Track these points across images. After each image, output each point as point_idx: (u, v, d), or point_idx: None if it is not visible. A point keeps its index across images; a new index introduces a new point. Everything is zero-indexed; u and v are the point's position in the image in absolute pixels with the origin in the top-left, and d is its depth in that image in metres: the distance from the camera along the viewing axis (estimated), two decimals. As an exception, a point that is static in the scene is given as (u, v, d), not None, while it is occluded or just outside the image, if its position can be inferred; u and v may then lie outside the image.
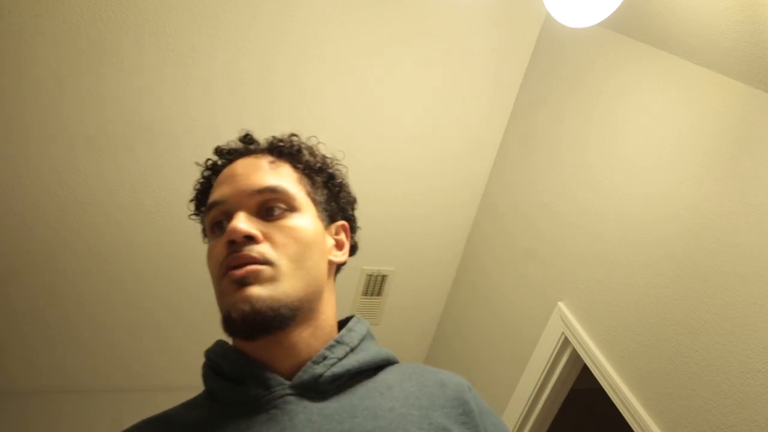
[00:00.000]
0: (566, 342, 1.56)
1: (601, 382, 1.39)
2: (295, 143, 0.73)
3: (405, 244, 2.25)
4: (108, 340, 2.14)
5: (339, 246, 0.76)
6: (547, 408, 1.68)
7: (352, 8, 1.65)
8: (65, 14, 1.46)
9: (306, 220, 0.63)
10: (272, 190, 0.61)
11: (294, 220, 0.61)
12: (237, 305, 0.54)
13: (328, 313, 0.66)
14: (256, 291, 0.55)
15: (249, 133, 0.76)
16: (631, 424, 1.28)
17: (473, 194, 2.20)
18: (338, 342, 0.63)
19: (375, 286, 2.33)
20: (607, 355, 1.38)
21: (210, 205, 0.63)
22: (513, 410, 1.76)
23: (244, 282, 0.55)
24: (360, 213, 2.31)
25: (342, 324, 0.70)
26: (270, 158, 0.67)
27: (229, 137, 1.86)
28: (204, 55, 1.62)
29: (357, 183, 2.22)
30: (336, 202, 0.76)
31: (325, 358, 0.60)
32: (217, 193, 0.63)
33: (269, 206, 0.61)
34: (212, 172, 0.71)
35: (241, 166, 0.65)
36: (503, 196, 2.04)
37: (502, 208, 2.04)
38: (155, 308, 2.11)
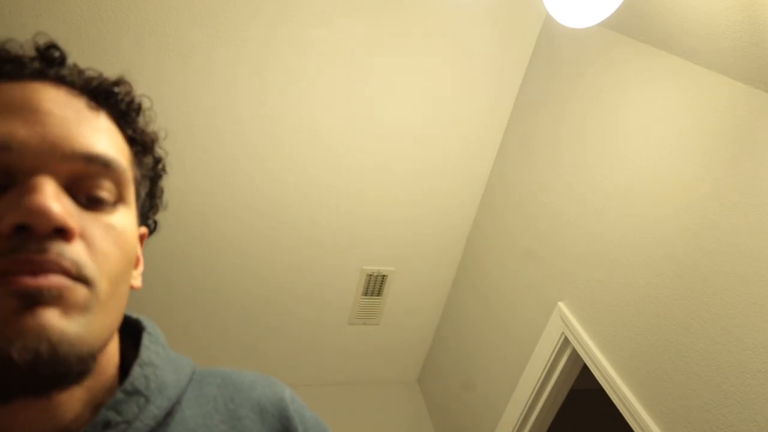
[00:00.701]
0: (566, 342, 1.56)
1: (601, 382, 1.39)
2: (130, 93, 0.46)
3: (405, 244, 2.25)
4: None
5: (137, 263, 0.50)
6: (547, 408, 1.68)
7: (351, 8, 1.65)
8: (65, 14, 1.46)
9: (132, 220, 0.43)
10: (105, 164, 0.39)
11: (122, 219, 0.41)
12: (25, 339, 0.31)
13: (112, 349, 0.46)
14: (57, 322, 0.33)
15: (56, 44, 0.43)
16: (631, 424, 1.28)
17: (473, 194, 2.20)
18: (128, 393, 0.42)
19: (375, 286, 2.33)
20: (607, 355, 1.38)
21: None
22: (513, 410, 1.77)
23: (36, 301, 0.32)
24: (360, 213, 2.32)
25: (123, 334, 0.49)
26: (89, 104, 0.41)
27: (229, 136, 1.87)
28: (204, 54, 1.62)
29: (357, 183, 2.23)
30: (151, 199, 0.53)
31: (107, 425, 0.39)
32: (3, 128, 0.35)
33: (92, 187, 0.38)
34: None
35: (50, 99, 0.38)
36: (503, 196, 2.04)
37: (502, 208, 2.04)
38: (156, 308, 2.12)
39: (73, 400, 0.39)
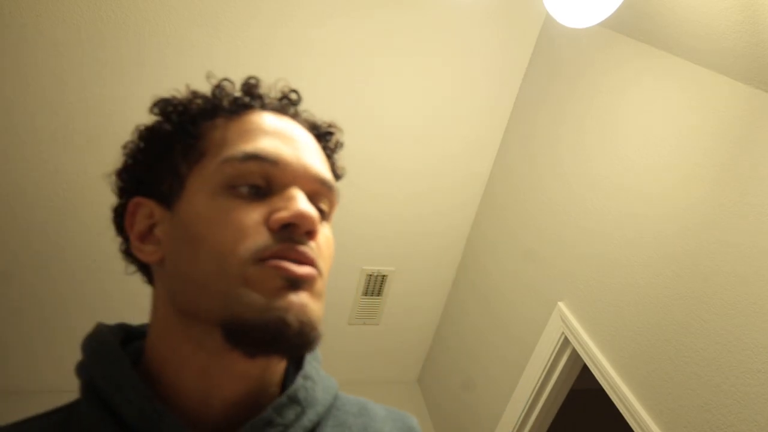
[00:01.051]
0: (566, 342, 1.56)
1: (601, 382, 1.39)
2: (338, 136, 0.58)
3: (405, 244, 2.25)
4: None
5: None
6: (547, 408, 1.68)
7: (351, 8, 1.65)
8: (65, 14, 1.46)
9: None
10: (329, 187, 0.48)
11: (329, 229, 0.50)
12: (295, 311, 0.40)
13: None
14: (310, 302, 0.42)
15: (296, 90, 0.53)
16: (631, 424, 1.28)
17: (473, 194, 2.20)
18: (290, 399, 0.47)
19: (375, 286, 2.33)
20: (607, 355, 1.38)
21: (251, 155, 0.43)
22: (513, 410, 1.77)
23: (299, 285, 0.41)
24: (360, 213, 2.32)
25: None
26: (314, 139, 0.51)
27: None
28: (204, 54, 1.62)
29: (357, 183, 2.23)
30: None
31: (269, 423, 0.44)
32: (270, 146, 0.44)
33: (318, 202, 0.48)
34: (230, 109, 0.48)
35: (299, 131, 0.48)
36: (503, 196, 2.04)
37: (502, 208, 2.04)
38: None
39: (258, 376, 0.46)
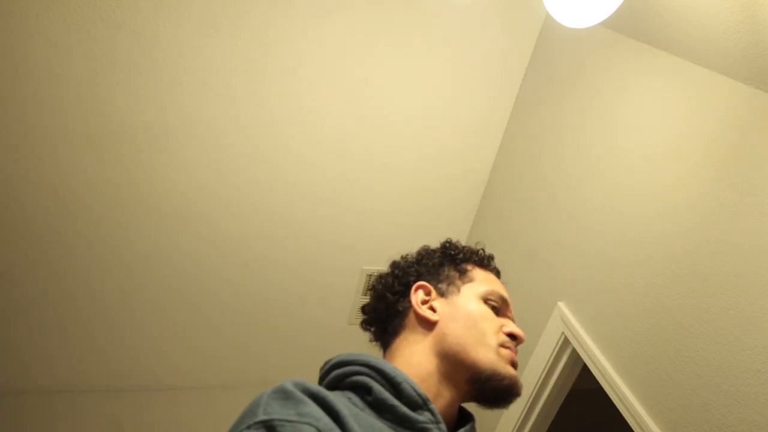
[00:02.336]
0: (566, 342, 1.56)
1: (601, 382, 1.39)
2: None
3: (405, 245, 2.24)
4: (109, 339, 2.14)
5: None
6: (547, 408, 1.68)
7: (351, 7, 1.65)
8: (65, 14, 1.46)
9: None
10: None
11: None
12: (517, 382, 0.71)
13: None
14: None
15: (492, 255, 0.91)
16: (631, 424, 1.28)
17: (473, 195, 2.20)
18: (473, 421, 0.75)
19: (375, 286, 2.33)
20: (607, 355, 1.38)
21: (501, 295, 0.79)
22: (513, 410, 1.77)
23: (515, 366, 0.73)
24: (360, 213, 2.32)
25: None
26: None
27: (230, 135, 1.86)
28: (204, 54, 1.62)
29: (358, 183, 2.23)
30: None
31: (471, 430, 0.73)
32: (504, 293, 0.80)
33: None
34: (477, 262, 0.85)
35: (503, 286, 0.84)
36: (503, 196, 2.04)
37: (502, 209, 2.04)
38: (156, 308, 2.12)
39: (455, 403, 0.72)
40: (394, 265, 0.87)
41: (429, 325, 0.74)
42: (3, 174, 1.68)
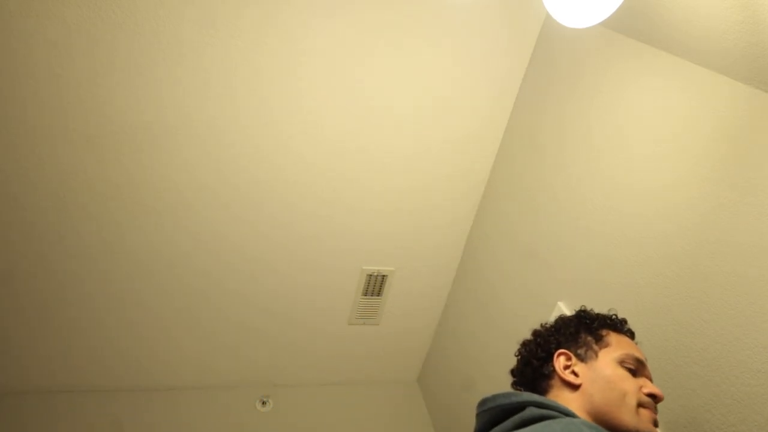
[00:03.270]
0: (566, 342, 1.56)
1: (601, 382, 1.39)
2: None
3: (405, 244, 2.25)
4: (108, 339, 2.14)
5: None
6: (547, 408, 1.67)
7: (351, 7, 1.65)
8: (65, 14, 1.46)
9: None
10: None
11: None
12: None
13: None
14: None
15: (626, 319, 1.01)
16: (631, 424, 1.27)
17: (473, 194, 2.20)
18: None
19: (375, 286, 2.33)
20: (607, 355, 1.38)
21: (635, 357, 0.86)
22: (513, 410, 1.76)
23: (657, 425, 0.80)
24: (360, 213, 2.32)
25: None
26: None
27: (230, 136, 1.87)
28: (204, 53, 1.62)
29: (358, 183, 2.23)
30: None
31: None
32: (639, 355, 0.88)
33: None
34: (611, 327, 0.95)
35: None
36: (503, 196, 2.04)
37: (502, 207, 2.04)
38: (156, 308, 2.12)
39: None
40: (536, 333, 0.99)
41: (574, 387, 0.83)
42: (3, 174, 1.68)
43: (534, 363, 0.91)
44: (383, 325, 2.48)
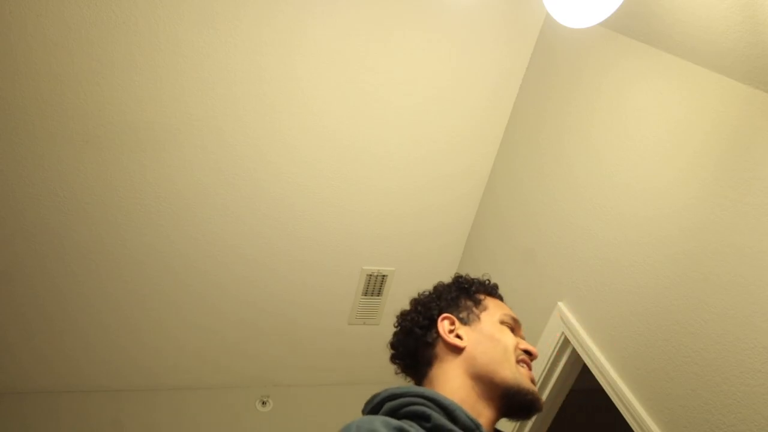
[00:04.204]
0: (566, 342, 1.56)
1: (601, 382, 1.39)
2: None
3: (405, 245, 2.25)
4: (108, 340, 2.14)
5: None
6: (547, 408, 1.68)
7: (352, 7, 1.65)
8: (65, 14, 1.46)
9: None
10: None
11: None
12: (539, 398, 0.79)
13: None
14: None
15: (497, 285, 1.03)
16: (631, 424, 1.28)
17: (474, 194, 2.20)
18: None
19: (375, 286, 2.33)
20: (607, 355, 1.38)
21: (512, 317, 0.91)
22: (513, 410, 1.76)
23: (535, 382, 0.81)
24: (360, 213, 2.32)
25: None
26: None
27: (230, 136, 1.87)
28: (203, 53, 1.62)
29: (358, 185, 2.23)
30: None
31: None
32: (514, 314, 0.93)
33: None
34: (487, 291, 0.97)
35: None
36: (503, 195, 2.04)
37: (502, 207, 2.04)
38: (156, 308, 2.12)
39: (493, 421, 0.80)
40: (416, 301, 0.97)
41: (458, 350, 0.83)
42: (3, 174, 1.68)
43: (417, 332, 0.90)
44: (383, 325, 2.48)
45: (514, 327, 0.90)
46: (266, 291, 2.21)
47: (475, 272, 2.60)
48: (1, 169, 1.66)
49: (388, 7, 1.68)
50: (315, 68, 1.73)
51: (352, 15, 1.66)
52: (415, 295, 0.99)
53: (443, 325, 0.87)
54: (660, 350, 1.21)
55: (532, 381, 0.81)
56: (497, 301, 0.95)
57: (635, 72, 1.39)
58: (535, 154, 1.82)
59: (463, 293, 0.94)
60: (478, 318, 0.89)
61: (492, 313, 0.90)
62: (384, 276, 2.31)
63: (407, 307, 0.98)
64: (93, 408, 2.18)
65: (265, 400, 2.43)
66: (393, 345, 0.98)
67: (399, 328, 0.97)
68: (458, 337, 0.84)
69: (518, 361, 0.82)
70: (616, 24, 1.41)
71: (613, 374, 1.34)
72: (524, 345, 0.86)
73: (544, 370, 1.63)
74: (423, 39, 1.77)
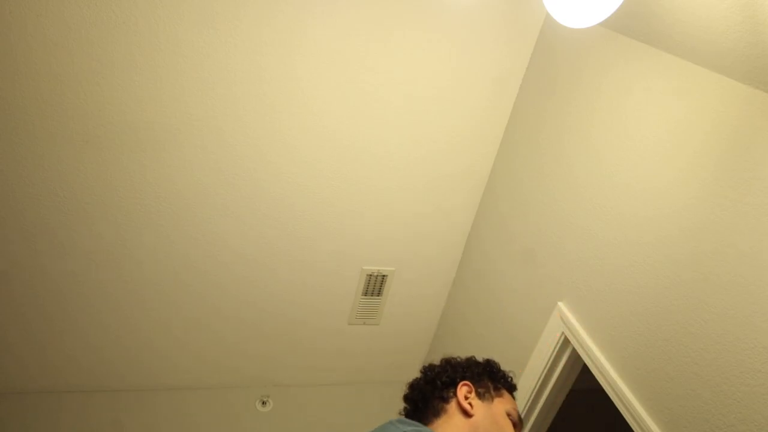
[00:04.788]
0: (566, 342, 1.56)
1: (601, 382, 1.39)
2: None
3: (405, 245, 2.25)
4: (108, 340, 2.14)
5: None
6: (547, 408, 1.68)
7: (351, 8, 1.65)
8: (65, 14, 1.46)
9: None
10: None
11: None
12: None
13: None
14: None
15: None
16: (631, 424, 1.28)
17: (473, 194, 2.20)
18: None
19: (375, 286, 2.33)
20: (607, 355, 1.38)
21: (519, 415, 1.00)
22: (513, 410, 1.76)
23: None
24: (361, 213, 2.32)
25: None
26: None
27: (231, 136, 1.87)
28: (203, 53, 1.62)
29: (358, 185, 2.23)
30: None
31: None
32: (520, 413, 1.03)
33: None
34: (507, 387, 1.06)
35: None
36: (503, 195, 2.04)
37: (502, 207, 2.04)
38: (156, 308, 2.12)
39: None
40: (446, 361, 1.08)
41: (467, 416, 0.93)
42: (3, 174, 1.68)
43: (437, 384, 1.01)
44: (383, 325, 2.48)
45: (516, 424, 0.99)
46: (266, 291, 2.21)
47: (475, 272, 2.60)
48: (1, 169, 1.66)
49: (388, 7, 1.68)
50: (315, 68, 1.73)
51: (352, 15, 1.66)
52: (449, 357, 1.10)
53: (462, 389, 0.98)
54: (660, 350, 1.21)
55: None
56: (511, 397, 1.05)
57: (635, 72, 1.39)
58: (535, 153, 1.82)
59: (489, 375, 1.05)
60: (492, 399, 0.99)
61: (504, 402, 1.00)
62: (384, 276, 2.31)
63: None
64: (93, 408, 2.18)
65: (265, 400, 2.43)
66: (411, 386, 1.07)
67: (423, 375, 1.06)
68: (470, 405, 0.95)
69: None
70: (616, 24, 1.41)
71: (613, 374, 1.34)
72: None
73: (544, 370, 1.63)
74: (423, 39, 1.76)
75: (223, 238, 2.01)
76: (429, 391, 1.01)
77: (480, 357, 1.11)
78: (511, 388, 1.08)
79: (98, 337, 2.12)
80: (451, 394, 0.98)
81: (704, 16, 1.01)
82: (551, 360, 1.61)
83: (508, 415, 0.97)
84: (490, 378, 1.05)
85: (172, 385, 2.36)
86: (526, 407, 1.70)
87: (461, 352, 2.39)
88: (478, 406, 0.95)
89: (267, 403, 2.42)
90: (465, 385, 0.99)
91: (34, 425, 2.06)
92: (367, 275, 2.28)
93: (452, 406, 0.96)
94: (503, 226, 2.02)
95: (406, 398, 1.06)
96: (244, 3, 1.57)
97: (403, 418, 0.92)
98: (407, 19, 1.72)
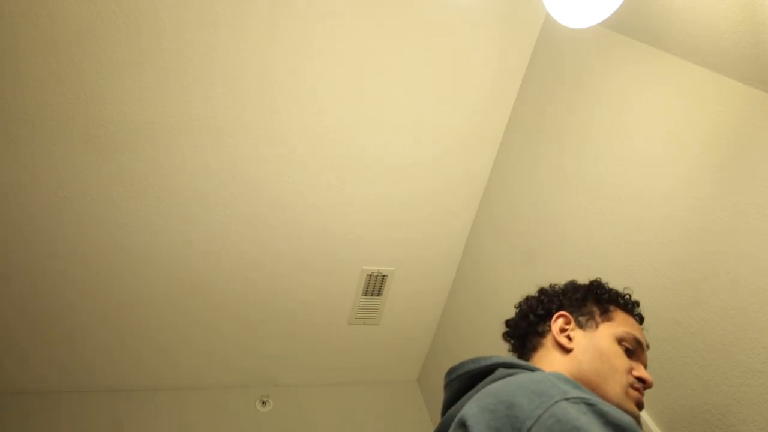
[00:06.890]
0: (566, 342, 1.56)
1: (601, 382, 1.39)
2: None
3: (405, 245, 2.25)
4: (108, 340, 2.14)
5: None
6: (547, 408, 1.67)
7: (351, 8, 1.65)
8: (65, 14, 1.46)
9: None
10: None
11: None
12: (639, 422, 0.76)
13: None
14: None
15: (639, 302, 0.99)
16: (631, 424, 1.27)
17: (473, 194, 2.20)
18: None
19: (375, 286, 2.33)
20: (607, 355, 1.38)
21: (636, 339, 0.85)
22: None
23: (641, 407, 0.80)
24: (360, 213, 2.32)
25: None
26: None
27: (231, 136, 1.87)
28: (204, 54, 1.62)
29: (358, 184, 2.23)
30: None
31: None
32: (641, 336, 0.87)
33: None
34: (621, 305, 0.92)
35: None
36: (503, 196, 2.04)
37: (501, 208, 2.04)
38: (155, 308, 2.12)
39: None
40: (542, 291, 0.98)
41: (565, 350, 0.83)
42: (3, 174, 1.68)
43: (531, 318, 0.91)
44: (383, 325, 2.48)
45: (635, 349, 0.84)
46: (266, 290, 2.21)
47: (475, 272, 2.60)
48: (1, 169, 1.66)
49: (388, 7, 1.68)
50: (315, 68, 1.73)
51: (353, 16, 1.66)
52: (546, 285, 0.99)
53: (557, 323, 0.87)
54: (660, 350, 1.21)
55: (639, 405, 0.78)
56: (628, 319, 0.89)
57: (635, 72, 1.39)
58: (535, 154, 1.82)
59: (592, 297, 0.92)
60: (596, 326, 0.86)
61: (614, 326, 0.85)
62: (384, 276, 2.31)
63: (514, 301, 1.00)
64: (93, 408, 2.18)
65: (265, 400, 2.43)
66: (508, 323, 0.98)
67: (518, 310, 0.97)
68: (568, 338, 0.84)
69: (629, 386, 0.78)
70: (616, 24, 1.41)
71: (613, 374, 1.34)
72: (639, 372, 0.81)
73: (544, 370, 1.63)
74: (423, 39, 1.76)
75: (222, 238, 2.01)
76: (524, 328, 0.92)
77: (583, 280, 0.98)
78: (627, 307, 0.92)
79: (98, 337, 2.12)
80: (547, 328, 0.88)
81: (704, 16, 1.01)
82: (551, 360, 1.60)
83: (621, 340, 0.82)
84: (596, 301, 0.90)
85: (172, 385, 2.36)
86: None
87: (461, 352, 2.40)
88: (578, 338, 0.83)
89: (267, 403, 2.42)
90: (561, 316, 0.88)
91: (34, 425, 2.06)
92: (367, 275, 2.28)
93: (549, 341, 0.86)
94: (503, 226, 2.02)
95: (504, 336, 0.97)
96: (244, 3, 1.56)
97: (508, 358, 0.78)
98: (407, 19, 1.72)
